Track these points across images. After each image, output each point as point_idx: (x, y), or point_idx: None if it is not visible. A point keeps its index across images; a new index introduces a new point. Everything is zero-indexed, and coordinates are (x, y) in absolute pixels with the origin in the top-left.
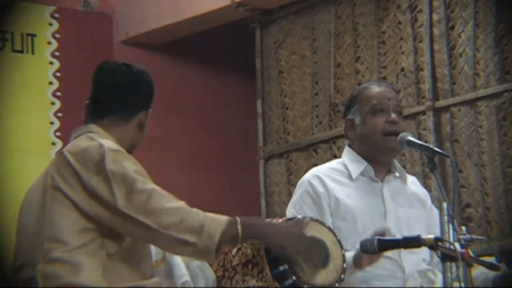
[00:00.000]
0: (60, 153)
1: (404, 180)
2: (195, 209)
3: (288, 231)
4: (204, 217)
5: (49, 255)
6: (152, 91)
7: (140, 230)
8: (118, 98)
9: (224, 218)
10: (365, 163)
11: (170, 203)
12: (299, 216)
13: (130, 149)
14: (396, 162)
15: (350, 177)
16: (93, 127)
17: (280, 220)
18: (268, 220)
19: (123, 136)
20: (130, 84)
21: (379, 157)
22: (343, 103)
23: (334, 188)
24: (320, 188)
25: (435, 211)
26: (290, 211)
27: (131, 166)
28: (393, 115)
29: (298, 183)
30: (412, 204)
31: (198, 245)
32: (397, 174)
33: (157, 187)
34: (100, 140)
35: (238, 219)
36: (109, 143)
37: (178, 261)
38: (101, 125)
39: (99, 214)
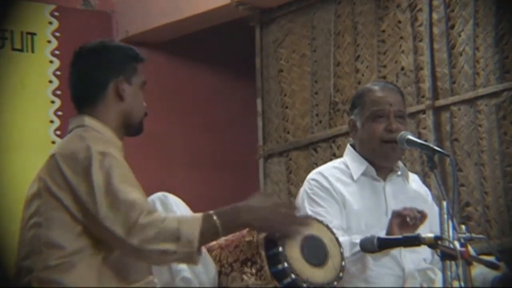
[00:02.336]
0: (52, 156)
1: (406, 178)
2: (169, 216)
3: (261, 209)
4: (178, 222)
5: (46, 262)
6: (114, 58)
7: (119, 244)
8: (81, 85)
9: (198, 216)
10: (366, 163)
11: (147, 218)
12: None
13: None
14: (398, 161)
15: (352, 177)
16: (86, 118)
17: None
18: (239, 204)
19: (108, 114)
20: (84, 67)
21: (379, 162)
22: (344, 101)
23: (339, 187)
24: (326, 184)
25: (436, 208)
26: (305, 207)
27: (116, 172)
28: (393, 124)
29: (303, 186)
30: (414, 203)
31: (178, 253)
32: (399, 172)
33: (137, 199)
34: (89, 141)
35: (212, 213)
36: (97, 144)
37: None
38: (88, 114)
39: (85, 221)
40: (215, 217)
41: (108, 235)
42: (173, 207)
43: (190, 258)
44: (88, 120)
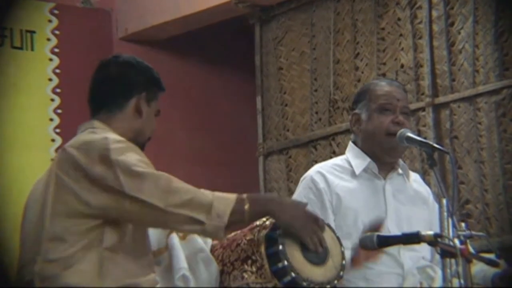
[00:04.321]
0: (63, 149)
1: (407, 177)
2: (202, 189)
3: (293, 208)
4: (213, 196)
5: (47, 255)
6: (143, 75)
7: (148, 212)
8: (106, 90)
9: (232, 196)
10: (368, 159)
11: (178, 183)
12: None
13: (136, 138)
14: (399, 159)
15: (353, 173)
16: (95, 122)
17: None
18: (273, 195)
19: (121, 125)
20: (115, 74)
21: (382, 156)
22: (343, 98)
23: (337, 185)
24: (322, 184)
25: (437, 208)
26: None
27: (135, 156)
28: (400, 117)
29: (301, 179)
30: (414, 203)
31: (207, 225)
32: (400, 171)
33: (162, 172)
34: (104, 133)
35: (245, 196)
36: (113, 135)
37: (179, 252)
38: (101, 120)
39: (106, 203)
40: (246, 203)
41: (139, 206)
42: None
43: (217, 233)
44: (97, 123)
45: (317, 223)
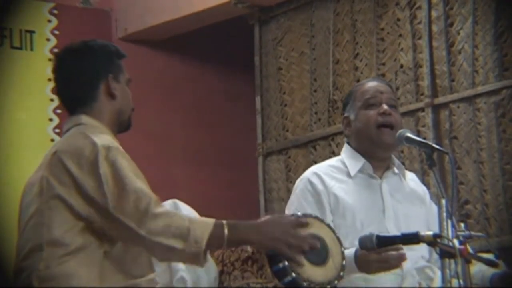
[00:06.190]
0: (53, 153)
1: (403, 176)
2: (179, 214)
3: (270, 231)
4: (189, 222)
5: (48, 260)
6: (101, 58)
7: (129, 234)
8: (74, 88)
9: (210, 221)
10: (363, 160)
11: (157, 208)
12: (299, 213)
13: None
14: (394, 158)
15: (348, 174)
16: (83, 117)
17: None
18: (252, 222)
19: (102, 114)
20: (74, 70)
21: (375, 152)
22: (343, 99)
23: (333, 186)
24: (319, 186)
25: (434, 208)
26: (290, 210)
27: (122, 163)
28: (385, 107)
29: (297, 181)
30: (411, 201)
31: (185, 251)
32: (396, 170)
33: (144, 188)
34: (93, 136)
35: (224, 222)
36: (102, 139)
37: None
38: (85, 114)
39: (92, 216)
40: (226, 229)
41: (119, 226)
42: (184, 213)
43: (196, 259)
44: (85, 118)
45: (300, 225)
